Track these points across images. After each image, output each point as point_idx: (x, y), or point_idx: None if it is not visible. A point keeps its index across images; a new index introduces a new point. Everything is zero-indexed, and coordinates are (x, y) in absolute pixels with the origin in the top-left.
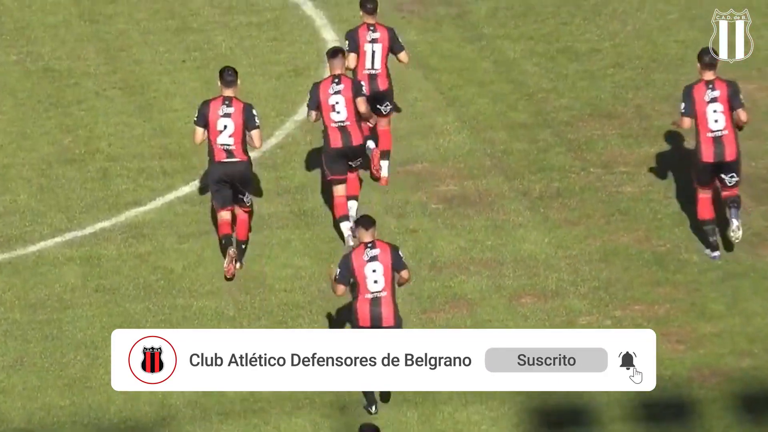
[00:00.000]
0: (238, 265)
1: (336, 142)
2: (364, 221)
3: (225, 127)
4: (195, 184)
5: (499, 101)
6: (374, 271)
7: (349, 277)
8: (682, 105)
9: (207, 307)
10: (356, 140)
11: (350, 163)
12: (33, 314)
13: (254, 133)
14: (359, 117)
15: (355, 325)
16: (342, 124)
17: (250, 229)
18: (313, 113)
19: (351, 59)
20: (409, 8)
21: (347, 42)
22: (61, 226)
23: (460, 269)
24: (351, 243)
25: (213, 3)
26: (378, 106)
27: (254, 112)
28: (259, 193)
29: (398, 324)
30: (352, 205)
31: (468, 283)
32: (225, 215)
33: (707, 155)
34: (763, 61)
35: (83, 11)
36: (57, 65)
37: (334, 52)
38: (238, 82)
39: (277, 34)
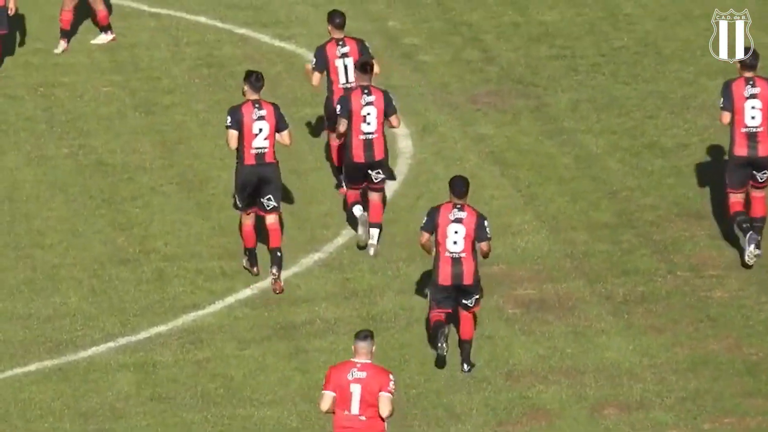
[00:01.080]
0: (275, 269)
1: (359, 156)
2: (458, 183)
3: (260, 130)
4: (256, 287)
5: (580, 199)
6: (456, 232)
7: (432, 227)
8: (721, 100)
9: (269, 417)
10: (379, 154)
11: (370, 172)
12: (84, 424)
13: (285, 133)
14: (384, 130)
15: (435, 283)
16: (369, 137)
17: (282, 234)
18: (345, 122)
19: (315, 78)
20: (485, 100)
21: (315, 60)
22: (113, 330)
23: (539, 378)
24: (361, 232)
25: (275, 93)
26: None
27: (282, 112)
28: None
29: (477, 283)
30: (374, 233)
31: (547, 393)
32: (249, 221)
33: (740, 150)
34: None
35: (138, 102)
36: (110, 159)
37: (363, 65)
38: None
39: None
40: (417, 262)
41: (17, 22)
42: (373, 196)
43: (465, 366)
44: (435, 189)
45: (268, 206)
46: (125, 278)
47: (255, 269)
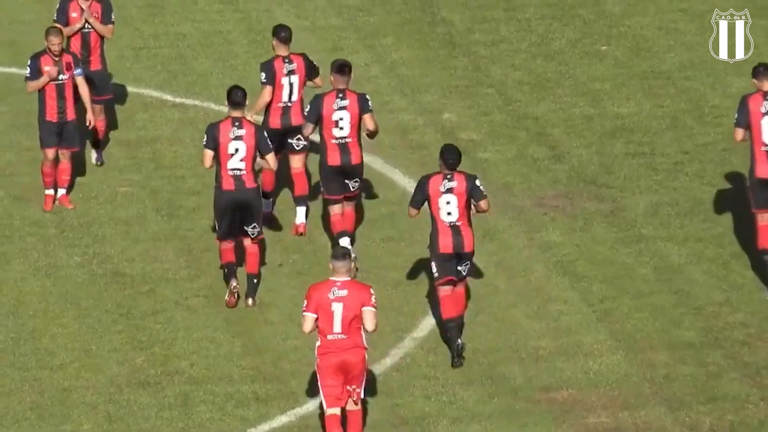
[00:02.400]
0: (250, 301)
1: (334, 159)
2: (450, 153)
3: (236, 150)
4: (294, 413)
5: (661, 316)
6: (448, 203)
7: (422, 201)
8: (736, 116)
9: None
10: (355, 159)
11: (347, 181)
12: None
13: (270, 156)
14: (359, 135)
15: (436, 253)
16: (343, 141)
17: (262, 263)
18: (311, 126)
19: (267, 92)
20: (553, 203)
21: (263, 74)
22: None
23: None
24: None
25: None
26: (290, 140)
27: (266, 133)
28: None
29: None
30: (346, 242)
31: None
32: (228, 245)
33: (762, 171)
34: None
35: (160, 204)
36: (128, 269)
37: (341, 67)
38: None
39: (394, 233)
40: (474, 385)
41: (23, 115)
42: (347, 207)
43: (459, 342)
44: (496, 304)
45: (253, 234)
46: (145, 404)
47: (233, 282)
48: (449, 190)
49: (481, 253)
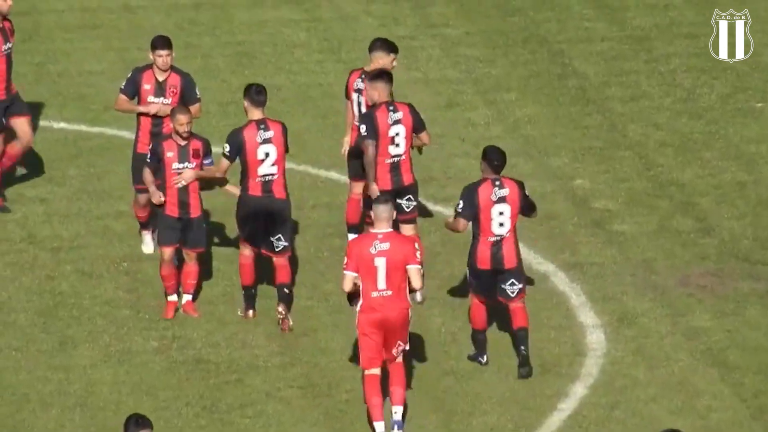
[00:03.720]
0: (281, 308)
1: (385, 182)
2: (496, 154)
3: (267, 154)
4: None
5: None
6: (501, 213)
7: (473, 213)
8: None
9: None
10: (408, 179)
11: (399, 201)
12: None
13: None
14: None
15: (474, 267)
16: (397, 159)
17: (293, 273)
18: (373, 143)
19: (371, 147)
20: (700, 282)
21: (363, 127)
22: None
23: None
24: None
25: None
26: (399, 201)
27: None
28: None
29: (519, 265)
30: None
31: None
32: (249, 253)
33: None
34: None
35: None
36: (212, 355)
37: (379, 75)
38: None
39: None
40: None
41: (94, 178)
42: (406, 229)
43: (522, 370)
44: (634, 397)
45: (277, 247)
46: None
47: (250, 312)
48: (501, 199)
49: (616, 340)
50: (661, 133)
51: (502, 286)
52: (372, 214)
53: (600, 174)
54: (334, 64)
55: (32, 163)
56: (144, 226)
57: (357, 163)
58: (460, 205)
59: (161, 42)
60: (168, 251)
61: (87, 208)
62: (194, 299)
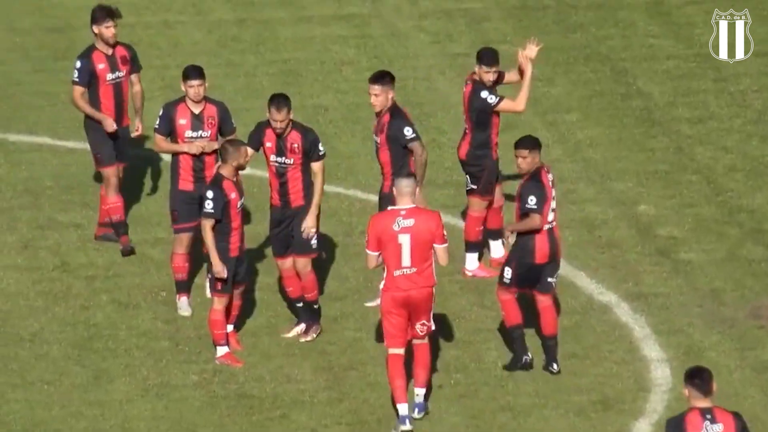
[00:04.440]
0: (310, 337)
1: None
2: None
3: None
4: None
5: None
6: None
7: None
8: None
9: None
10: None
11: (547, 276)
12: None
13: (316, 165)
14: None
15: (529, 263)
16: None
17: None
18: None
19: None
20: None
21: (409, 129)
22: None
23: None
24: None
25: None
26: None
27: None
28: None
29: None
30: None
31: None
32: (287, 264)
33: None
34: None
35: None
36: (256, 390)
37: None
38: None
39: (578, 348)
40: None
41: (130, 203)
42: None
43: (554, 366)
44: None
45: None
46: None
47: (315, 328)
48: (554, 184)
49: (683, 375)
50: (730, 157)
51: (548, 279)
52: (395, 189)
53: (666, 199)
54: None
55: (66, 187)
56: (180, 287)
57: (486, 179)
58: (533, 200)
59: (194, 72)
60: (224, 300)
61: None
62: (237, 330)
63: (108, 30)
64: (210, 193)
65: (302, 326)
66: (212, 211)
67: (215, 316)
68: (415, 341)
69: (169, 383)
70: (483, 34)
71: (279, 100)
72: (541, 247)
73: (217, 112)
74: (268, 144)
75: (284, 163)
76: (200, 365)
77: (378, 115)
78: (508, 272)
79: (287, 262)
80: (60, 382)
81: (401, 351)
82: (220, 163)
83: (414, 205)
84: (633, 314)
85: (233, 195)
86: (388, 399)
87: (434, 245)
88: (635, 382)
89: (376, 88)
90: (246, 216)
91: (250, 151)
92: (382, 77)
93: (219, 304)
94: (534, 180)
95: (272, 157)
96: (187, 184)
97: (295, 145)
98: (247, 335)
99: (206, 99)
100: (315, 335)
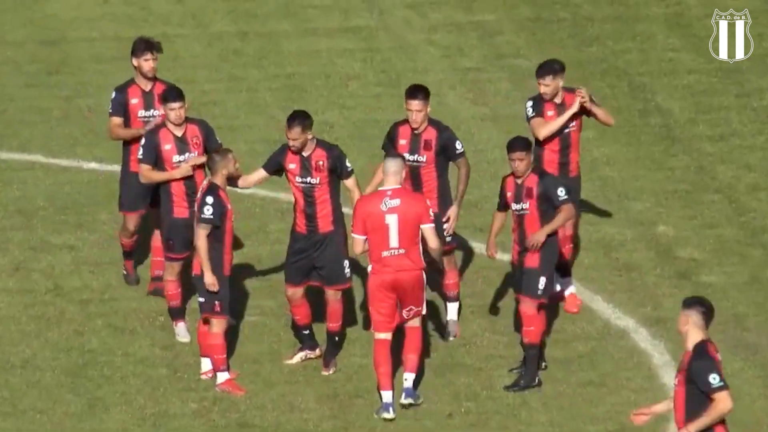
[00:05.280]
0: (331, 370)
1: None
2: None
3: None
4: None
5: None
6: None
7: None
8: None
9: None
10: None
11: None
12: None
13: (349, 182)
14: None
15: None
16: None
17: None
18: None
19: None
20: None
21: (458, 143)
22: None
23: None
24: None
25: None
26: None
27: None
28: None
29: None
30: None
31: None
32: (299, 293)
33: None
34: None
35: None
36: (258, 419)
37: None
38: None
39: (594, 376)
40: None
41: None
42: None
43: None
44: None
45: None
46: None
47: (317, 350)
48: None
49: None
50: (753, 175)
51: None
52: (382, 170)
53: (686, 220)
54: (392, 99)
55: (59, 207)
56: (175, 313)
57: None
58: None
59: (173, 94)
60: (223, 323)
61: (119, 257)
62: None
63: (147, 63)
64: (210, 199)
65: (305, 353)
66: (211, 216)
67: (215, 340)
68: (407, 324)
69: (167, 412)
70: (495, 48)
71: (291, 117)
72: (560, 245)
73: (200, 130)
74: (291, 165)
75: (310, 182)
76: (200, 393)
77: (415, 131)
78: (542, 282)
79: (299, 291)
80: (53, 411)
81: (388, 336)
82: (209, 176)
83: (400, 186)
84: (652, 340)
85: (229, 206)
86: (397, 429)
87: (421, 226)
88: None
89: (417, 104)
90: (245, 237)
91: (263, 174)
92: (422, 90)
93: (218, 326)
94: (547, 173)
95: (297, 179)
96: (181, 210)
97: (321, 163)
98: (248, 362)
99: (186, 119)
100: (335, 368)
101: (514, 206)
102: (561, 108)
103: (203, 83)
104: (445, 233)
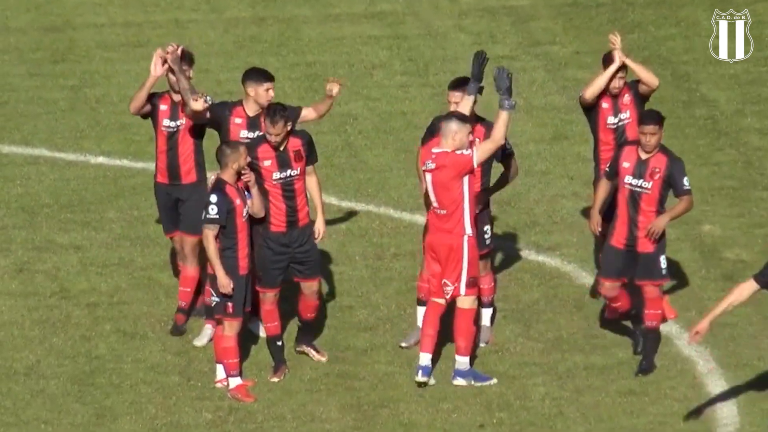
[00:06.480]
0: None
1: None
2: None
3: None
4: None
5: None
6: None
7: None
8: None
9: None
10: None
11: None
12: None
13: (311, 167)
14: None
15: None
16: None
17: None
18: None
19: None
20: None
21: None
22: None
23: None
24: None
25: None
26: None
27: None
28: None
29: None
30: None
31: None
32: (273, 298)
33: None
34: None
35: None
36: (276, 430)
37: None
38: None
39: (635, 385)
40: None
41: (137, 223)
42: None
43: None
44: None
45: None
46: None
47: (282, 369)
48: None
49: (752, 413)
50: None
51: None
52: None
53: (733, 219)
54: (420, 89)
55: (65, 205)
56: (209, 313)
57: None
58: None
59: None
60: (235, 325)
61: (129, 258)
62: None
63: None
64: (213, 198)
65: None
66: (216, 216)
67: (227, 343)
68: (458, 303)
69: (179, 422)
70: (529, 35)
71: (273, 111)
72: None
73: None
74: (266, 163)
75: (290, 176)
76: (214, 402)
77: None
78: (663, 262)
79: (277, 294)
80: (58, 421)
81: (441, 301)
82: (218, 171)
83: (447, 150)
84: (696, 347)
85: (238, 201)
86: None
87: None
88: (700, 423)
89: (459, 95)
90: None
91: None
92: (465, 83)
93: (230, 329)
94: (676, 156)
95: (275, 175)
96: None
97: (298, 151)
98: (266, 369)
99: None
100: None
101: (629, 179)
102: (615, 100)
103: (218, 72)
104: (485, 236)
